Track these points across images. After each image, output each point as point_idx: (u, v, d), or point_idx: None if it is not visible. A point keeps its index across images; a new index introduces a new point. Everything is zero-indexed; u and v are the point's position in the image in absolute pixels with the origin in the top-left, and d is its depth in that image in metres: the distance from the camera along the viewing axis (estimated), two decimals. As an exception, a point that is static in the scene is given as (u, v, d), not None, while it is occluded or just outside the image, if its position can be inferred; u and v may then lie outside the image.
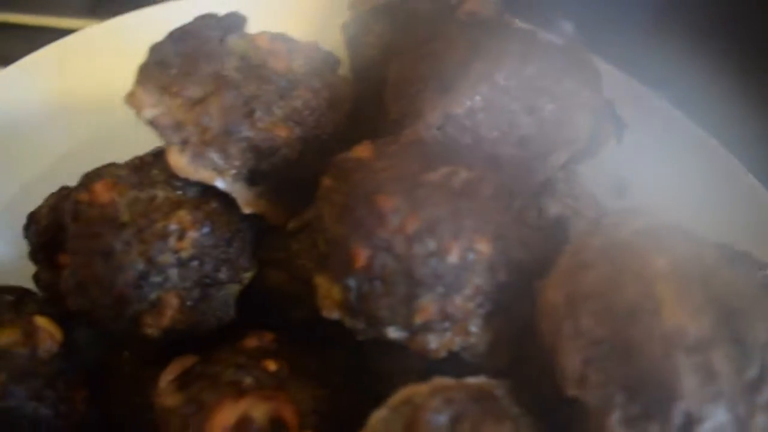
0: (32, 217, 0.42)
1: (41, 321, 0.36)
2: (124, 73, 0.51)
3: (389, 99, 0.39)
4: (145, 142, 0.44)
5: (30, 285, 0.44)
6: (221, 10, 0.46)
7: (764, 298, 0.29)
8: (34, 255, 0.42)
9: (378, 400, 0.31)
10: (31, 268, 0.46)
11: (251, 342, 0.35)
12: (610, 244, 0.31)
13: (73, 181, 0.47)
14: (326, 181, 0.32)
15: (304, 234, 0.36)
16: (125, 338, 0.37)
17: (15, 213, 0.48)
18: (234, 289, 0.36)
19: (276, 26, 0.44)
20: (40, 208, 0.42)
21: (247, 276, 0.37)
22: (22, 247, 0.47)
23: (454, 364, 0.34)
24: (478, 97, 0.33)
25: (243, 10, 0.45)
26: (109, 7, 0.78)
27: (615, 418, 0.28)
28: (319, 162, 0.37)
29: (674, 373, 0.28)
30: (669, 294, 0.29)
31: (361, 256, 0.29)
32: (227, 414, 0.30)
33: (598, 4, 0.64)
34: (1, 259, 0.47)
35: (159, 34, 0.48)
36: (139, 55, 0.51)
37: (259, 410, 0.30)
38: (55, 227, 0.41)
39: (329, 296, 0.33)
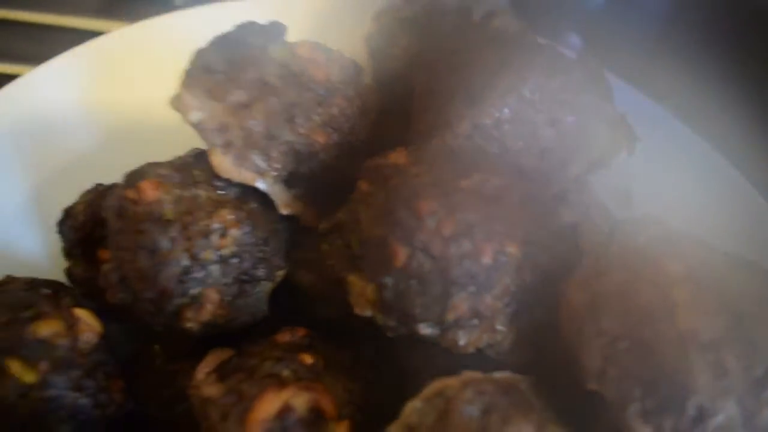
0: (68, 213, 0.43)
1: (82, 313, 0.38)
2: (152, 76, 0.53)
3: (416, 109, 0.41)
4: (170, 142, 0.46)
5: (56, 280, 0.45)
6: (243, 18, 0.48)
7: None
8: (70, 250, 0.43)
9: (405, 395, 0.33)
10: (57, 264, 0.47)
11: (284, 337, 0.37)
12: (627, 250, 0.33)
13: (97, 179, 0.49)
14: (363, 185, 0.34)
15: (334, 235, 0.38)
16: (160, 332, 0.39)
17: (40, 209, 0.50)
18: (268, 286, 0.38)
19: (295, 35, 0.46)
20: (75, 204, 0.44)
21: (280, 274, 0.38)
22: (48, 242, 0.49)
23: (477, 361, 0.36)
24: (506, 109, 0.36)
25: (265, 18, 0.47)
26: (122, 8, 0.80)
27: (633, 411, 0.30)
28: (350, 167, 0.39)
29: (688, 370, 0.30)
30: (684, 298, 0.31)
31: (401, 255, 0.31)
32: (270, 403, 0.32)
33: (603, 18, 0.66)
34: (29, 255, 0.48)
35: (188, 39, 0.50)
36: (167, 58, 0.53)
37: (299, 400, 0.32)
38: (91, 223, 0.43)
39: (363, 294, 0.35)
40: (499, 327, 0.33)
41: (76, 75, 0.52)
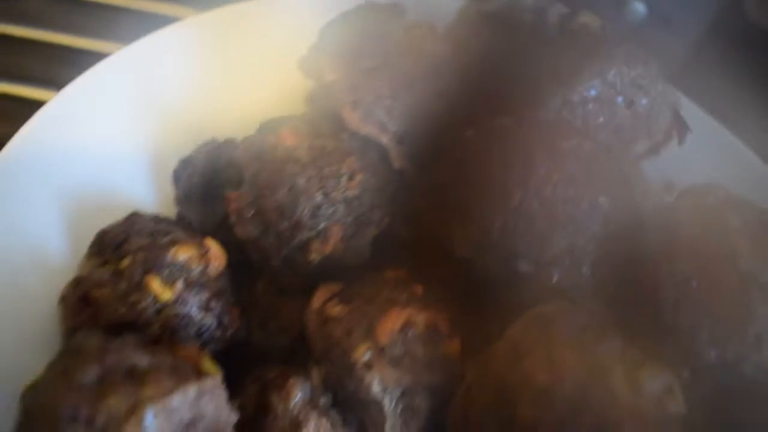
0: (186, 162, 0.48)
1: (211, 243, 0.42)
2: (247, 52, 0.59)
3: (502, 90, 0.47)
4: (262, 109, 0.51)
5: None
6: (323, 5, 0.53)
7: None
8: (185, 197, 0.48)
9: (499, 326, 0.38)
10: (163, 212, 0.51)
11: (390, 274, 0.42)
12: (696, 208, 0.40)
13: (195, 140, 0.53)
14: (474, 144, 0.40)
15: (439, 189, 0.43)
16: (273, 268, 0.43)
17: (150, 162, 0.55)
18: (374, 232, 0.43)
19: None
20: (194, 154, 0.49)
21: (386, 221, 0.44)
22: (156, 192, 0.53)
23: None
24: (592, 90, 0.42)
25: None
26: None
27: (702, 338, 0.36)
28: (449, 133, 0.45)
29: (748, 304, 0.36)
30: (744, 247, 0.37)
31: (516, 196, 0.36)
32: (394, 319, 0.37)
33: (643, 33, 0.73)
34: (141, 203, 0.52)
35: (285, 23, 0.56)
36: (263, 40, 0.58)
37: (419, 318, 0.37)
38: (209, 171, 0.48)
39: (466, 237, 0.41)
40: (585, 269, 0.39)
41: (184, 44, 0.56)
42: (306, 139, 0.40)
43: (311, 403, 0.39)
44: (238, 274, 0.48)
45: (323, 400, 0.40)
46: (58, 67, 0.72)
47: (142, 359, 0.33)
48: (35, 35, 0.73)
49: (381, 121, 0.41)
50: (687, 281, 0.37)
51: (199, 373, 0.35)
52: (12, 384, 0.37)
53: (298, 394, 0.39)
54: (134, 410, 0.31)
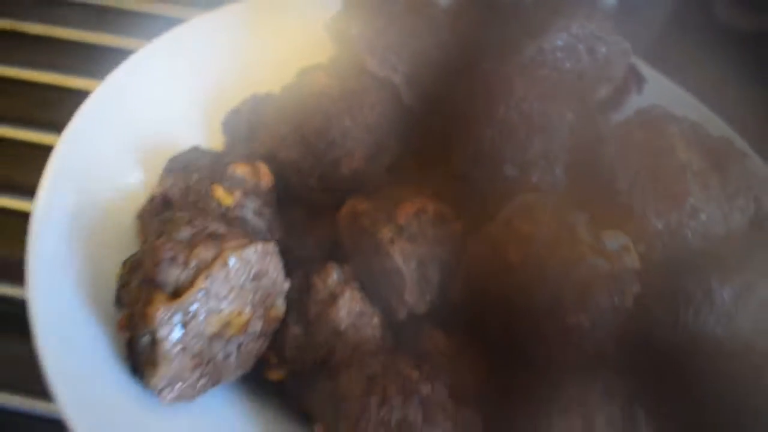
0: (235, 112, 0.59)
1: (262, 165, 0.53)
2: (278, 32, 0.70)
3: (487, 44, 0.59)
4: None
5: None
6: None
7: (736, 151, 0.49)
8: (235, 142, 0.58)
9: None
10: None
11: (400, 187, 0.52)
12: (643, 119, 0.50)
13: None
14: (468, 82, 0.51)
15: (436, 123, 0.54)
16: (313, 186, 0.53)
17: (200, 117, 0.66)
18: (388, 159, 0.54)
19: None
20: (239, 107, 0.60)
21: (398, 150, 0.54)
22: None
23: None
24: (559, 41, 0.53)
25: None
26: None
27: (650, 211, 0.46)
28: (445, 75, 0.56)
29: (685, 184, 0.46)
30: (680, 144, 0.48)
31: (500, 110, 0.47)
32: (410, 205, 0.47)
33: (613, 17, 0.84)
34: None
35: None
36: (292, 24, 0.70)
37: (430, 206, 0.47)
38: (253, 119, 0.59)
39: (462, 154, 0.51)
40: (558, 171, 0.49)
41: (230, 24, 0.68)
42: (336, 79, 0.52)
43: (345, 281, 0.49)
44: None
45: (355, 284, 0.50)
46: (95, 63, 0.84)
47: (220, 227, 0.43)
48: (74, 36, 0.86)
49: (393, 65, 0.52)
50: (637, 171, 0.47)
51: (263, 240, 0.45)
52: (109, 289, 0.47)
53: (334, 275, 0.49)
54: (220, 255, 0.40)
